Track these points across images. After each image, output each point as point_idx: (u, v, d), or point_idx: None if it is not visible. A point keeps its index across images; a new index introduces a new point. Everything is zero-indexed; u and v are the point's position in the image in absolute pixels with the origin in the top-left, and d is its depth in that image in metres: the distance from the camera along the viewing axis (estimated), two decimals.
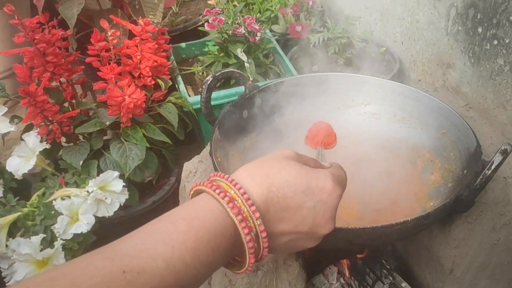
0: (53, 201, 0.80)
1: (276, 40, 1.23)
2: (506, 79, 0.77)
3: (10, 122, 0.90)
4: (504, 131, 0.79)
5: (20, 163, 0.86)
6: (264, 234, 0.38)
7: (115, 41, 0.91)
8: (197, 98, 1.02)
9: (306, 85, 0.81)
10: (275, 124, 0.78)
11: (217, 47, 1.15)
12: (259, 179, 0.39)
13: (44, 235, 0.76)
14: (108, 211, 0.82)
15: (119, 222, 0.90)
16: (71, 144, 0.94)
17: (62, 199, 0.80)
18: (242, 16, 1.12)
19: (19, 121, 0.92)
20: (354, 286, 0.73)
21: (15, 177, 0.87)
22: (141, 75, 0.96)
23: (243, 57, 1.08)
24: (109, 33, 0.90)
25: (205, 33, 1.18)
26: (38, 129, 0.88)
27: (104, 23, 0.91)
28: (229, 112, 0.73)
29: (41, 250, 0.73)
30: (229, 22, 1.11)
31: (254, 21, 1.10)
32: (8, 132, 0.89)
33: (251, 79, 1.06)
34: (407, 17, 1.04)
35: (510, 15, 0.73)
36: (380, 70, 1.09)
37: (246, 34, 1.09)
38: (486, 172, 0.57)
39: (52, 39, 0.87)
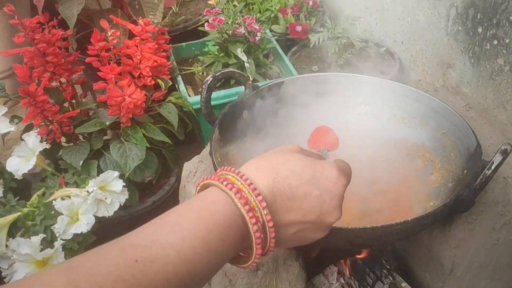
0: (53, 201, 0.80)
1: (276, 40, 1.23)
2: (506, 79, 0.77)
3: (10, 122, 0.90)
4: (504, 131, 0.79)
5: (20, 163, 0.86)
6: (271, 224, 0.38)
7: (115, 41, 0.91)
8: (197, 98, 1.02)
9: (306, 85, 0.81)
10: (275, 124, 0.78)
11: (217, 47, 1.15)
12: (265, 171, 0.40)
13: (44, 235, 0.76)
14: (108, 211, 0.82)
15: (119, 222, 0.90)
16: (71, 144, 0.94)
17: (62, 199, 0.80)
18: (242, 16, 1.12)
19: (19, 121, 0.92)
20: (354, 286, 0.73)
21: (15, 177, 0.87)
22: (141, 75, 0.96)
23: (243, 57, 1.08)
24: (109, 33, 0.90)
25: (205, 33, 1.17)
26: (38, 129, 0.88)
27: (104, 23, 0.91)
28: (229, 112, 0.73)
29: (41, 250, 0.73)
30: (229, 22, 1.11)
31: (254, 21, 1.10)
32: (8, 132, 0.89)
33: (251, 79, 1.06)
34: (407, 17, 1.04)
35: (510, 15, 0.73)
36: (380, 70, 1.09)
37: (246, 34, 1.09)
38: (486, 172, 0.57)
39: (52, 39, 0.87)
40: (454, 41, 0.89)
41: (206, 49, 1.19)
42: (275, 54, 1.20)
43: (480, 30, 0.81)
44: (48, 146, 0.88)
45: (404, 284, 0.73)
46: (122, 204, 0.85)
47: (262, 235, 0.38)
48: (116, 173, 0.84)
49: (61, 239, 0.77)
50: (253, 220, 0.37)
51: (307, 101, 0.81)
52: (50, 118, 0.87)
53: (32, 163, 0.85)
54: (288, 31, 1.25)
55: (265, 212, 0.38)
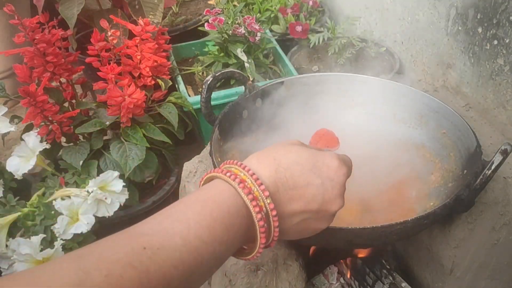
0: (53, 201, 0.80)
1: (276, 40, 1.23)
2: (506, 79, 0.77)
3: (10, 122, 0.90)
4: (504, 131, 0.79)
5: (20, 163, 0.86)
6: (274, 212, 0.39)
7: (115, 41, 0.91)
8: (197, 98, 1.02)
9: (306, 85, 0.81)
10: (275, 124, 0.78)
11: (217, 47, 1.15)
12: (267, 163, 0.41)
13: (44, 235, 0.76)
14: (108, 211, 0.82)
15: (119, 222, 0.90)
16: (71, 144, 0.94)
17: (62, 199, 0.80)
18: (242, 16, 1.12)
19: (19, 121, 0.92)
20: (354, 286, 0.73)
21: (15, 177, 0.87)
22: (141, 75, 0.96)
23: (243, 57, 1.08)
24: (109, 33, 0.90)
25: (205, 33, 1.17)
26: (38, 129, 0.88)
27: (104, 23, 0.91)
28: (229, 112, 0.73)
29: (41, 250, 0.73)
30: (229, 22, 1.11)
31: (254, 21, 1.10)
32: (8, 132, 0.89)
33: (251, 79, 1.06)
34: (407, 17, 1.04)
35: (510, 15, 0.73)
36: (380, 70, 1.09)
37: (246, 34, 1.09)
38: (486, 172, 0.57)
39: (52, 39, 0.87)
40: (454, 41, 0.89)
41: (206, 49, 1.19)
42: (275, 54, 1.20)
43: (480, 30, 0.81)
44: (48, 146, 0.88)
45: (404, 284, 0.73)
46: (122, 204, 0.85)
47: (265, 224, 0.39)
48: (116, 173, 0.84)
49: (61, 239, 0.77)
50: (257, 209, 0.38)
51: (307, 101, 0.81)
52: (50, 118, 0.87)
53: (32, 163, 0.85)
54: (288, 31, 1.25)
55: (268, 201, 0.39)
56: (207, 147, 0.78)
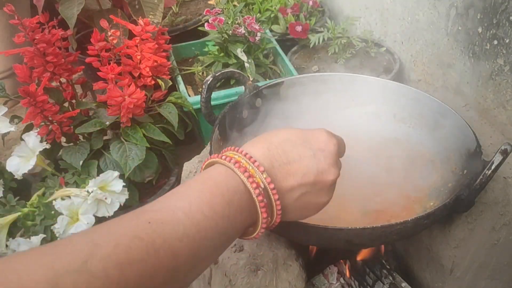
0: (53, 201, 0.80)
1: (276, 40, 1.23)
2: (506, 79, 0.77)
3: (10, 122, 0.90)
4: (504, 131, 0.79)
5: (20, 163, 0.86)
6: (272, 186, 0.41)
7: (115, 41, 0.91)
8: (197, 98, 1.02)
9: (306, 85, 0.81)
10: (275, 124, 0.78)
11: (217, 47, 1.15)
12: (259, 143, 0.44)
13: (44, 235, 0.76)
14: (108, 211, 0.82)
15: None
16: (71, 144, 0.94)
17: (62, 199, 0.80)
18: (242, 16, 1.12)
19: (19, 121, 0.92)
20: (354, 286, 0.73)
21: (15, 177, 0.87)
22: (141, 75, 0.96)
23: (243, 57, 1.08)
24: (109, 33, 0.90)
25: (205, 33, 1.17)
26: (38, 129, 0.88)
27: (104, 23, 0.91)
28: (229, 112, 0.73)
29: None
30: (229, 22, 1.10)
31: (254, 21, 1.10)
32: (8, 132, 0.89)
33: (251, 79, 1.06)
34: (407, 17, 1.04)
35: (510, 15, 0.73)
36: (380, 70, 1.09)
37: (246, 34, 1.09)
38: (486, 172, 0.57)
39: (52, 39, 0.87)
40: (454, 41, 0.89)
41: (206, 49, 1.19)
42: (275, 54, 1.20)
43: (480, 30, 0.81)
44: (48, 146, 0.88)
45: (404, 284, 0.73)
46: (122, 204, 0.85)
47: (265, 199, 0.40)
48: (116, 173, 0.84)
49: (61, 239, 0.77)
50: (254, 185, 0.40)
51: (307, 101, 0.81)
52: (50, 118, 0.87)
53: (32, 163, 0.85)
54: (288, 31, 1.25)
55: (264, 176, 0.41)
56: (207, 147, 0.78)
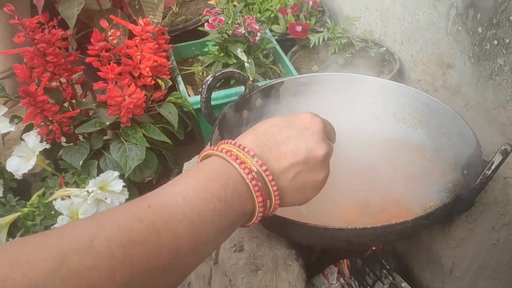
0: (53, 201, 0.80)
1: (276, 40, 1.23)
2: (506, 79, 0.77)
3: (10, 122, 0.90)
4: (504, 131, 0.79)
5: (20, 163, 0.86)
6: (264, 168, 0.42)
7: (115, 41, 0.91)
8: (197, 98, 1.02)
9: (306, 85, 0.81)
10: None
11: (217, 47, 1.15)
12: (248, 134, 0.47)
13: None
14: None
15: None
16: (71, 144, 0.94)
17: (62, 199, 0.80)
18: (242, 16, 1.12)
19: (19, 121, 0.92)
20: (354, 286, 0.73)
21: (15, 177, 0.86)
22: (141, 75, 0.96)
23: (243, 57, 1.08)
24: (109, 33, 0.90)
25: (205, 33, 1.17)
26: (38, 129, 0.88)
27: (104, 23, 0.91)
28: (229, 112, 0.73)
29: None
30: (229, 22, 1.10)
31: (254, 21, 1.10)
32: (8, 132, 0.89)
33: (251, 79, 1.06)
34: (407, 17, 1.04)
35: (510, 15, 0.73)
36: (380, 70, 1.09)
37: (246, 34, 1.09)
38: (486, 172, 0.57)
39: (52, 39, 0.87)
40: (454, 41, 0.89)
41: (206, 49, 1.19)
42: (275, 54, 1.20)
43: (480, 30, 0.81)
44: (48, 146, 0.88)
45: (404, 284, 0.73)
46: None
47: (259, 183, 0.41)
48: (116, 173, 0.84)
49: None
50: (246, 170, 0.41)
51: (307, 101, 0.81)
52: (50, 118, 0.87)
53: (32, 163, 0.85)
54: (288, 31, 1.25)
55: (255, 160, 0.42)
56: None
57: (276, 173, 0.43)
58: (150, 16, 1.05)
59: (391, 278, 0.74)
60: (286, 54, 1.18)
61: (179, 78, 1.10)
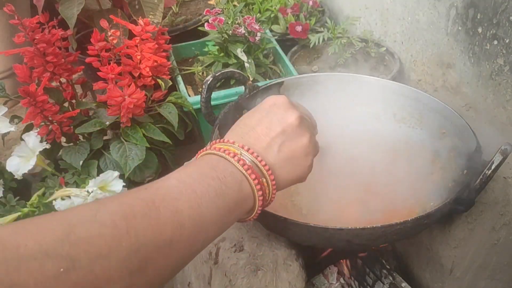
0: (53, 201, 0.80)
1: (276, 40, 1.23)
2: (506, 79, 0.77)
3: (10, 122, 0.90)
4: (504, 131, 0.79)
5: (20, 163, 0.86)
6: (246, 147, 0.45)
7: (115, 41, 0.91)
8: (197, 98, 1.02)
9: (306, 85, 0.81)
10: None
11: (217, 47, 1.15)
12: (228, 132, 0.50)
13: None
14: None
15: None
16: (71, 144, 0.94)
17: (62, 199, 0.80)
18: (242, 16, 1.12)
19: (19, 121, 0.92)
20: (354, 286, 0.73)
21: (15, 177, 0.86)
22: (141, 75, 0.96)
23: (243, 57, 1.08)
24: (109, 33, 0.90)
25: (205, 33, 1.17)
26: (38, 129, 0.88)
27: (104, 23, 0.91)
28: (229, 112, 0.73)
29: None
30: (229, 22, 1.10)
31: (254, 21, 1.10)
32: (8, 132, 0.89)
33: (251, 79, 1.06)
34: (407, 17, 1.04)
35: (510, 15, 0.73)
36: (380, 70, 1.09)
37: (246, 34, 1.09)
38: (486, 172, 0.57)
39: (52, 39, 0.87)
40: (454, 41, 0.89)
41: (206, 49, 1.19)
42: (275, 54, 1.20)
43: (480, 30, 0.81)
44: (48, 146, 0.88)
45: (404, 284, 0.73)
46: None
47: (247, 162, 0.44)
48: (116, 173, 0.84)
49: None
50: (231, 154, 0.44)
51: (307, 101, 0.81)
52: (50, 118, 0.87)
53: (32, 163, 0.85)
54: (288, 31, 1.25)
55: (236, 145, 0.45)
56: None
57: (261, 151, 0.46)
58: (150, 16, 1.05)
59: (391, 278, 0.74)
60: (286, 54, 1.18)
61: (179, 78, 1.10)
